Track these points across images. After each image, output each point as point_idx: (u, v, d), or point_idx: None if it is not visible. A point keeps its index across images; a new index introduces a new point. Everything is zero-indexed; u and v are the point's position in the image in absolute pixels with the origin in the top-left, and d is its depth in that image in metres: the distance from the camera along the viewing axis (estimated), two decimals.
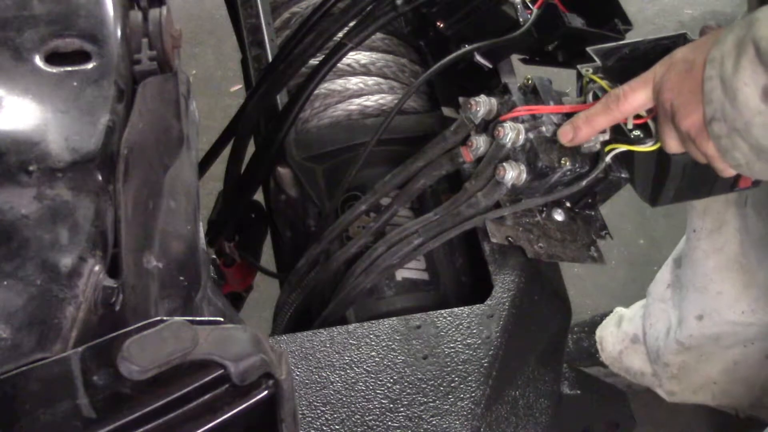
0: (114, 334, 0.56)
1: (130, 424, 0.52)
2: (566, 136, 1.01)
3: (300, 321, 1.14)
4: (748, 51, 0.85)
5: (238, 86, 2.60)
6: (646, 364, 1.91)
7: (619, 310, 2.06)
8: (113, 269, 0.65)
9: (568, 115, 1.04)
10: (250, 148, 1.26)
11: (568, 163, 1.01)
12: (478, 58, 1.15)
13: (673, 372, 1.86)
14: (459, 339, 0.98)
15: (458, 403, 0.94)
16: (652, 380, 1.92)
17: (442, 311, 1.00)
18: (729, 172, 0.97)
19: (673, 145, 0.98)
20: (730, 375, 1.80)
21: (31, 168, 0.66)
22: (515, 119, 1.03)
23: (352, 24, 1.15)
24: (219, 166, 1.32)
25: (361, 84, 1.25)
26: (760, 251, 1.62)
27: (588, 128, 1.00)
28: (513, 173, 1.00)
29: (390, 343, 0.97)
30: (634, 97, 0.97)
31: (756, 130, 0.87)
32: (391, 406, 0.93)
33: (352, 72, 1.27)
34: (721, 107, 0.88)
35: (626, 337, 1.95)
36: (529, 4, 1.15)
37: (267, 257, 1.40)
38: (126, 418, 0.52)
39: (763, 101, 0.85)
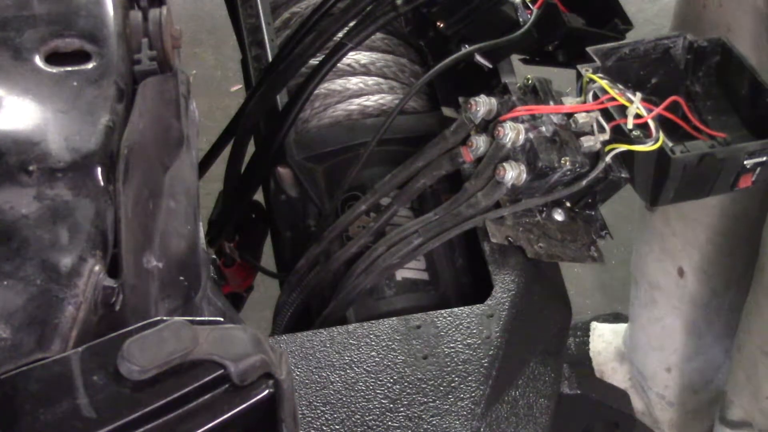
0: (114, 334, 0.56)
1: (130, 424, 0.52)
2: None
3: (300, 321, 1.14)
4: None
5: (238, 86, 2.60)
6: (646, 409, 1.92)
7: (611, 336, 2.04)
8: (113, 269, 0.65)
9: (569, 115, 1.04)
10: (250, 148, 1.26)
11: (568, 163, 1.01)
12: (479, 58, 1.15)
13: (666, 430, 1.87)
14: (459, 339, 0.98)
15: (458, 403, 0.93)
16: (651, 422, 1.92)
17: (442, 311, 1.00)
18: None
19: None
20: None
21: (31, 168, 0.66)
22: (515, 119, 1.03)
23: (352, 24, 1.15)
24: (219, 166, 1.32)
25: (361, 84, 1.25)
26: (705, 318, 1.64)
27: None
28: (513, 173, 1.00)
29: (390, 343, 0.97)
30: None
31: None
32: (391, 406, 0.93)
33: (352, 72, 1.27)
34: None
35: (631, 376, 1.95)
36: (529, 4, 1.15)
37: (267, 257, 1.40)
38: (126, 418, 0.51)
39: None
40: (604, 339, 2.02)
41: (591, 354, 2.01)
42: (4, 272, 0.60)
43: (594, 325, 2.07)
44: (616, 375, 1.95)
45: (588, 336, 2.05)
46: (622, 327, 2.02)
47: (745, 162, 1.03)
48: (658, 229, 1.65)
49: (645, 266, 1.72)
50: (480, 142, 1.04)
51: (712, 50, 1.12)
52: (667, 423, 1.86)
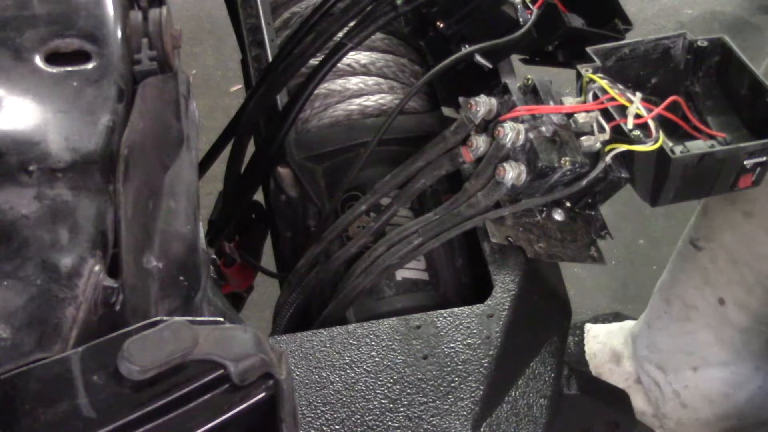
0: (114, 334, 0.56)
1: (130, 424, 0.52)
2: None
3: (300, 321, 1.14)
4: None
5: (238, 86, 2.60)
6: (647, 406, 1.91)
7: (605, 338, 2.03)
8: (113, 269, 0.65)
9: (569, 115, 1.04)
10: (250, 148, 1.26)
11: (568, 163, 1.01)
12: (479, 58, 1.15)
13: (671, 426, 1.86)
14: (459, 339, 0.98)
15: (458, 403, 0.94)
16: (652, 421, 1.91)
17: (442, 311, 1.00)
18: None
19: None
20: None
21: (31, 168, 0.66)
22: (515, 119, 1.03)
23: (352, 24, 1.15)
24: (219, 166, 1.32)
25: (361, 84, 1.25)
26: (742, 338, 1.63)
27: None
28: (513, 173, 1.00)
29: (390, 343, 0.97)
30: None
31: None
32: (391, 406, 0.93)
33: (352, 72, 1.27)
34: None
35: (630, 377, 1.93)
36: (529, 4, 1.15)
37: (267, 257, 1.40)
38: (126, 418, 0.52)
39: None
40: (599, 340, 2.02)
41: (587, 356, 2.00)
42: (4, 272, 0.60)
43: (588, 326, 2.06)
44: (613, 376, 1.95)
45: (583, 337, 2.05)
46: (616, 327, 2.02)
47: (745, 162, 1.03)
48: (702, 264, 1.61)
49: (681, 290, 1.68)
50: (480, 142, 1.04)
51: (712, 50, 1.12)
52: (675, 420, 1.86)
